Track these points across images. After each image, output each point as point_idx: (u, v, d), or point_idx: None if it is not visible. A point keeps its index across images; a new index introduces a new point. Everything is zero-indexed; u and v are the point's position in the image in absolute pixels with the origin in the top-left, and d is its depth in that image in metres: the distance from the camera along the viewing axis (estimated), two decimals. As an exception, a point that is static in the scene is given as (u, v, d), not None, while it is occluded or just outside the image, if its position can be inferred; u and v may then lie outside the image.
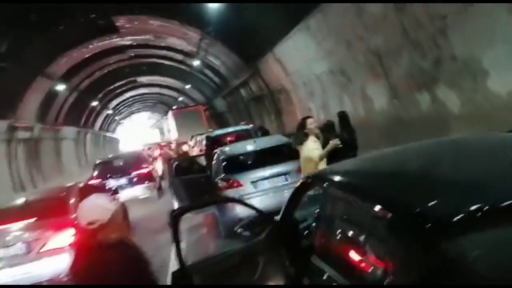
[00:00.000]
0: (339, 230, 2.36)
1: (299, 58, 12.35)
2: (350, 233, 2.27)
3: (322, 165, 4.77)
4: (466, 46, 5.83)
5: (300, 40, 11.43)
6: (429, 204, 1.81)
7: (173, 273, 2.62)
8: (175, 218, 2.68)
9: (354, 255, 2.12)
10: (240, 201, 4.31)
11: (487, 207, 1.80)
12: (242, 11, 12.96)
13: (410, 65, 7.25)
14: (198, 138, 17.26)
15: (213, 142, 11.28)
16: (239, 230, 3.97)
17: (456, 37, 5.94)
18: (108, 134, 43.53)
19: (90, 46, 19.49)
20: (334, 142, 4.80)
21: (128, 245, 2.52)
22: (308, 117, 5.28)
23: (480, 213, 1.79)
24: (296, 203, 3.16)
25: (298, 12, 10.29)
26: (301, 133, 5.03)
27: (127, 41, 20.82)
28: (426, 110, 7.24)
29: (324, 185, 2.60)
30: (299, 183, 3.21)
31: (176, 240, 2.65)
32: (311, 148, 4.88)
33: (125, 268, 2.32)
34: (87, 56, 20.32)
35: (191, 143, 19.37)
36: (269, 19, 12.24)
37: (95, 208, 2.40)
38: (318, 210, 2.72)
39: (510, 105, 5.44)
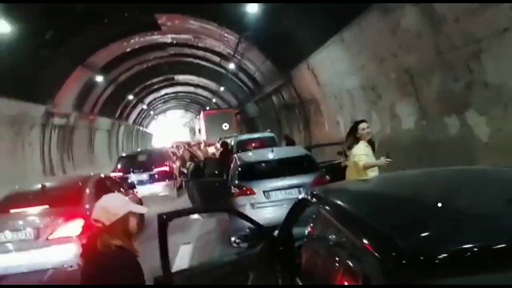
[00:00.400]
0: (321, 254, 2.26)
1: (332, 70, 12.20)
2: (331, 258, 2.17)
3: (372, 174, 4.62)
4: (499, 72, 5.56)
5: (335, 52, 11.29)
6: (410, 239, 1.70)
7: (155, 279, 2.58)
8: (163, 222, 2.65)
9: (331, 281, 2.02)
10: (238, 212, 4.25)
11: (477, 248, 1.68)
12: (280, 19, 12.96)
13: (442, 87, 6.99)
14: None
15: (232, 147, 11.25)
16: (236, 241, 3.91)
17: (489, 63, 5.68)
18: (141, 128, 44.50)
19: (132, 41, 20.02)
20: (384, 160, 4.60)
21: (127, 255, 2.33)
22: (362, 121, 5.01)
23: (468, 254, 1.67)
24: (295, 219, 3.07)
25: (335, 23, 10.17)
26: (351, 138, 4.88)
27: (167, 39, 21.24)
28: (454, 135, 6.95)
29: (316, 204, 2.51)
30: (299, 199, 3.12)
31: (163, 245, 2.60)
32: (360, 153, 4.68)
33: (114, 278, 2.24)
34: (128, 50, 20.87)
35: (218, 145, 19.57)
36: (306, 28, 12.17)
37: (102, 209, 2.30)
38: (309, 229, 2.64)
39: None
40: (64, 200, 5.82)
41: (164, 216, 2.64)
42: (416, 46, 7.36)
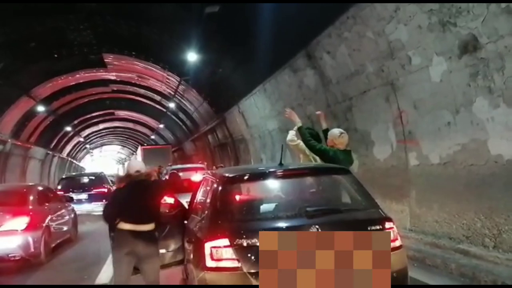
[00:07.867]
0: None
1: (258, 114, 14.30)
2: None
3: None
4: (362, 121, 7.82)
5: (260, 99, 13.44)
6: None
7: None
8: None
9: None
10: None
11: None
12: (216, 67, 15.04)
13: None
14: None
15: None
16: None
17: (357, 114, 7.95)
18: (75, 161, 44.01)
19: (77, 76, 21.07)
20: None
21: None
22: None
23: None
24: None
25: (260, 75, 12.34)
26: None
27: (111, 76, 22.48)
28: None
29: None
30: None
31: None
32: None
33: None
34: (72, 84, 21.84)
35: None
36: (238, 77, 14.29)
37: None
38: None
39: (384, 168, 7.34)
40: (12, 201, 7.03)
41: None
42: (314, 99, 9.58)
